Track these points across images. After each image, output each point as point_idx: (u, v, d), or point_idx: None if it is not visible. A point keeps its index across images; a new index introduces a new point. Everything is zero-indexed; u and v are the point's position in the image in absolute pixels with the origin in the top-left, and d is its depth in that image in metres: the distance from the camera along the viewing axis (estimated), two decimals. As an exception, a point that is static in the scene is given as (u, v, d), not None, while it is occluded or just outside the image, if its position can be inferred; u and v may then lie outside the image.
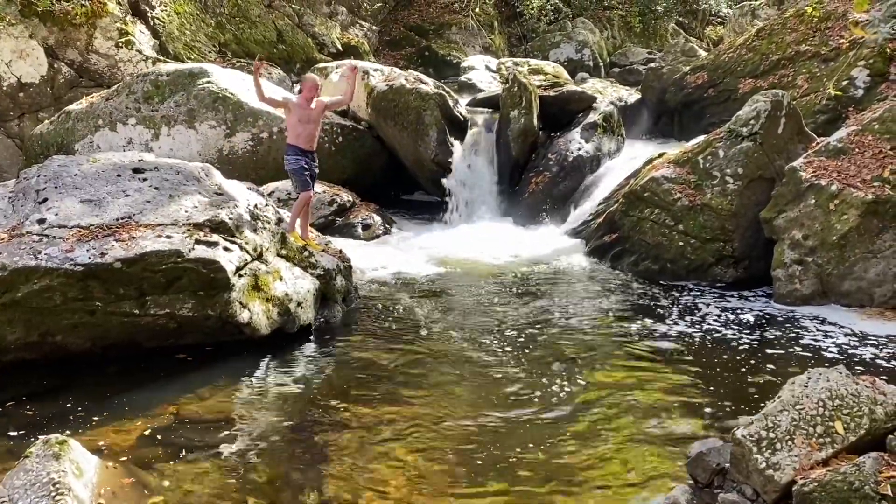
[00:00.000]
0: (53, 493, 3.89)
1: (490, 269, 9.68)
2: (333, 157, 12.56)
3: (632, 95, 15.34)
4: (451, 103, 12.57)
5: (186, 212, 6.54)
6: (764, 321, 7.72)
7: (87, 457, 4.41)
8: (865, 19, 11.70)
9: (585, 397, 5.81)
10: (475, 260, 10.10)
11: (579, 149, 12.49)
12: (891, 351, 6.79)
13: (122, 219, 6.33)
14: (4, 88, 13.97)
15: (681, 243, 9.14)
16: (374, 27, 21.43)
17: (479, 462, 4.82)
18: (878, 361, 6.58)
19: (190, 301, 6.24)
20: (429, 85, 12.72)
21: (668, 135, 13.86)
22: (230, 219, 6.64)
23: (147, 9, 15.64)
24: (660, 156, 10.53)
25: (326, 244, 8.39)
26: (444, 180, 12.33)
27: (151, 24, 15.65)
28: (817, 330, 7.42)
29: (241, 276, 6.48)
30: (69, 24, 14.42)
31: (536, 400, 5.75)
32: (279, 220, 7.56)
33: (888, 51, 10.89)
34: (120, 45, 14.94)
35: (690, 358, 6.69)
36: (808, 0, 13.71)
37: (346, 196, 11.72)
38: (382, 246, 10.93)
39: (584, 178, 12.34)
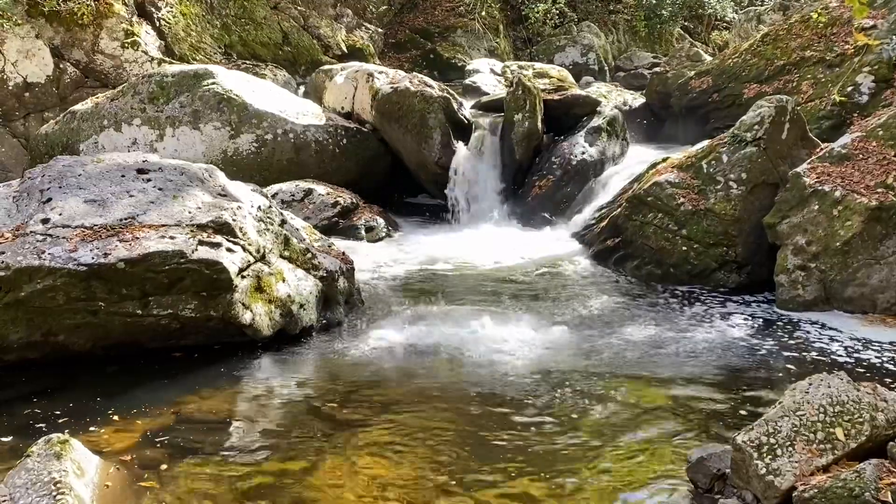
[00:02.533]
0: (55, 493, 3.90)
1: (493, 273, 9.68)
2: (337, 160, 12.59)
3: (636, 99, 15.32)
4: (455, 106, 12.59)
5: (190, 213, 6.56)
6: (766, 327, 7.70)
7: (88, 456, 4.42)
8: (871, 25, 11.70)
9: (585, 401, 5.81)
10: (478, 263, 10.10)
11: (583, 153, 12.48)
12: (893, 357, 6.78)
13: (125, 219, 6.35)
14: (10, 88, 14.01)
15: (684, 248, 9.13)
16: (380, 30, 21.46)
17: (480, 465, 4.82)
18: (880, 368, 6.57)
19: (192, 302, 6.25)
20: (433, 88, 12.73)
21: (672, 139, 13.83)
22: (233, 220, 6.65)
23: (153, 10, 15.68)
24: (664, 160, 10.52)
25: (329, 246, 8.40)
26: (447, 190, 12.40)
27: (157, 24, 15.69)
28: (819, 336, 7.41)
29: (243, 277, 6.49)
30: (75, 25, 14.47)
31: (537, 404, 5.75)
32: (283, 222, 7.57)
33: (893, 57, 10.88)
34: (126, 45, 14.98)
35: (691, 362, 6.68)
36: (814, 6, 13.72)
37: (349, 198, 11.72)
38: (385, 248, 10.93)
39: (587, 181, 12.33)
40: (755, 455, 3.90)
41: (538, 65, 15.83)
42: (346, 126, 12.97)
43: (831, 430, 3.88)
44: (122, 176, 6.92)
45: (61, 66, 14.48)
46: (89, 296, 5.96)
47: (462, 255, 10.46)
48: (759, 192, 8.95)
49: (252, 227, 6.88)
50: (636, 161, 12.32)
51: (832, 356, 6.87)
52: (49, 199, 6.49)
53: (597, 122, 12.95)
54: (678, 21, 26.17)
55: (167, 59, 15.25)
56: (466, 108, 13.27)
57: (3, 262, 5.78)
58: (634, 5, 25.80)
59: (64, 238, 6.05)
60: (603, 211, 11.12)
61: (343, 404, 5.73)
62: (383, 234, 11.49)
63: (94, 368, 6.13)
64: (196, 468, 4.71)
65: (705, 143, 10.15)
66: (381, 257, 10.25)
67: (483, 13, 22.66)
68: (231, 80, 12.65)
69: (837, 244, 7.98)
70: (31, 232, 6.11)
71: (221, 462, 4.81)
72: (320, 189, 11.59)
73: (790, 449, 3.86)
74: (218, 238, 6.42)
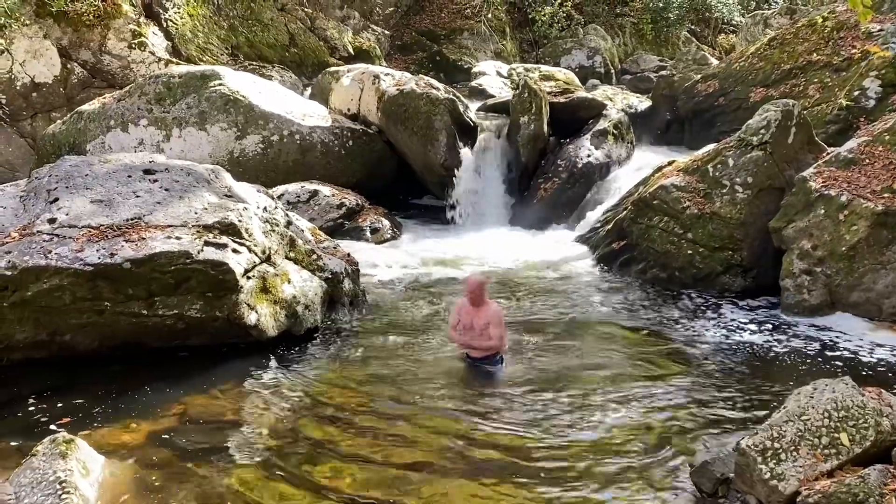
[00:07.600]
0: (60, 492, 3.92)
1: (498, 275, 9.66)
2: (343, 161, 12.60)
3: (642, 103, 15.31)
4: (461, 108, 12.59)
5: (196, 213, 6.57)
6: (771, 331, 7.69)
7: (93, 456, 4.44)
8: (878, 28, 11.68)
9: (589, 404, 5.80)
10: (483, 265, 10.10)
11: (589, 155, 12.48)
12: (899, 363, 6.76)
13: (132, 219, 6.37)
14: (18, 88, 14.06)
15: (689, 252, 9.11)
16: (386, 32, 21.48)
17: (483, 466, 4.82)
18: (886, 373, 6.55)
19: (198, 302, 6.27)
20: (439, 90, 12.73)
21: (678, 143, 13.83)
22: (239, 221, 6.67)
23: (160, 10, 15.73)
24: (669, 164, 10.50)
25: (334, 247, 8.41)
26: (453, 192, 12.42)
27: (164, 25, 15.73)
28: (824, 341, 7.39)
29: (249, 278, 6.51)
30: (83, 25, 14.52)
31: (540, 406, 5.75)
32: (288, 223, 7.58)
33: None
34: (133, 46, 15.02)
35: (696, 366, 6.67)
36: (821, 10, 13.69)
37: (354, 199, 11.74)
38: (390, 250, 10.93)
39: (593, 184, 12.33)
40: (759, 459, 3.89)
41: (544, 67, 15.82)
42: (351, 128, 12.98)
43: (836, 435, 3.87)
44: (129, 176, 6.95)
45: (69, 66, 14.53)
46: (95, 295, 5.98)
47: (467, 257, 10.47)
48: (765, 197, 8.93)
49: (258, 228, 6.89)
50: (642, 164, 12.31)
51: (837, 361, 6.85)
52: (56, 199, 6.52)
53: (602, 124, 12.95)
54: (685, 24, 26.16)
55: (174, 59, 15.29)
56: (472, 111, 13.26)
57: (9, 261, 5.80)
58: (641, 8, 25.79)
59: (70, 238, 6.07)
60: (608, 214, 11.11)
61: (347, 406, 5.73)
62: (388, 236, 11.49)
63: (99, 368, 6.14)
64: (200, 468, 4.72)
65: (711, 146, 10.13)
66: (386, 259, 10.25)
67: (489, 16, 22.68)
68: (238, 81, 12.68)
69: (843, 249, 7.96)
70: (37, 232, 6.13)
71: (225, 462, 4.83)
72: (326, 190, 11.60)
73: (795, 454, 3.86)
74: (224, 239, 6.43)
